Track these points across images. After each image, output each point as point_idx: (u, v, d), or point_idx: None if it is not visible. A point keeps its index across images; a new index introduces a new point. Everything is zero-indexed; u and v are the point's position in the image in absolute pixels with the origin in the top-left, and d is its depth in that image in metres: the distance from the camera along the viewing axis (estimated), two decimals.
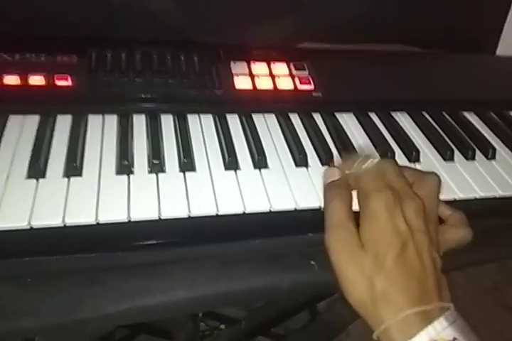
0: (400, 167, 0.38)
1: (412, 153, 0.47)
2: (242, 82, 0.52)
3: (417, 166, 0.47)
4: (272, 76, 0.53)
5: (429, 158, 0.48)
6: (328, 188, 0.38)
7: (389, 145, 0.48)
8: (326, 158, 0.45)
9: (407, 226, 0.33)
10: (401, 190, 0.34)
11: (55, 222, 0.35)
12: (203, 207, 0.39)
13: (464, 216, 0.38)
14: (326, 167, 0.44)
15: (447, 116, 0.55)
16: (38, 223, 0.35)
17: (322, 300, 0.89)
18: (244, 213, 0.40)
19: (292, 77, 0.53)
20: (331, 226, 0.35)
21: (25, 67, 0.47)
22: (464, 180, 0.45)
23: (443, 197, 0.43)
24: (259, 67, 0.54)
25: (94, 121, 0.46)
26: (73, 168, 0.40)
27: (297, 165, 0.44)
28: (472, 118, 0.56)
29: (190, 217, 0.38)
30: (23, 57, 0.49)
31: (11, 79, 0.46)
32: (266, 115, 0.51)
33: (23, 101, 0.45)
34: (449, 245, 0.36)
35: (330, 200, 0.36)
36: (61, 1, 0.51)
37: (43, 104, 0.46)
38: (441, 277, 0.33)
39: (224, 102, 0.50)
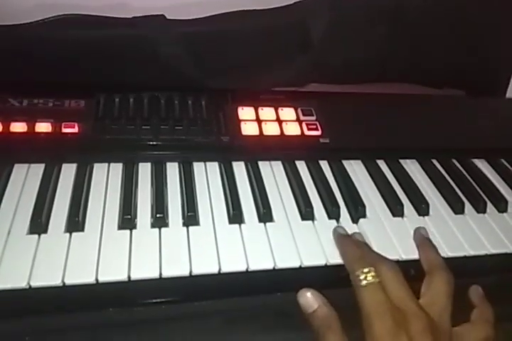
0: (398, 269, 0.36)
1: (422, 206, 0.46)
2: (249, 128, 0.51)
3: (426, 219, 0.46)
4: (280, 121, 0.53)
5: (439, 211, 0.47)
6: (313, 320, 0.35)
7: (398, 197, 0.47)
8: (332, 211, 0.44)
9: None
10: (405, 307, 0.33)
11: (55, 282, 0.35)
12: (205, 265, 0.38)
13: (490, 313, 0.37)
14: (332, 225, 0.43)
15: (457, 164, 0.54)
16: (37, 283, 0.34)
17: None
18: (247, 271, 0.39)
19: (300, 122, 0.53)
20: None
21: (33, 114, 0.48)
22: (474, 235, 0.44)
23: (453, 254, 0.42)
24: (267, 113, 0.53)
25: (99, 170, 0.46)
26: (75, 222, 0.39)
27: (303, 218, 0.43)
28: (483, 165, 0.55)
29: (191, 276, 0.38)
30: (31, 103, 0.49)
31: (18, 127, 0.46)
32: (272, 163, 0.50)
33: (29, 149, 0.45)
34: None
35: (320, 335, 0.34)
36: (71, 48, 0.51)
37: (49, 152, 0.46)
38: None
39: (230, 149, 0.49)
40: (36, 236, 0.38)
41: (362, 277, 0.35)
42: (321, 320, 0.35)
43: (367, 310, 0.33)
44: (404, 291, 0.34)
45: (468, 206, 0.48)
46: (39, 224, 0.38)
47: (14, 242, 0.37)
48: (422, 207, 0.46)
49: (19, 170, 0.44)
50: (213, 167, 0.48)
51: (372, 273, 0.35)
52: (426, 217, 0.46)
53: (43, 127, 0.47)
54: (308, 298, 0.36)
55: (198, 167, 0.48)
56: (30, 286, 0.34)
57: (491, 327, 0.36)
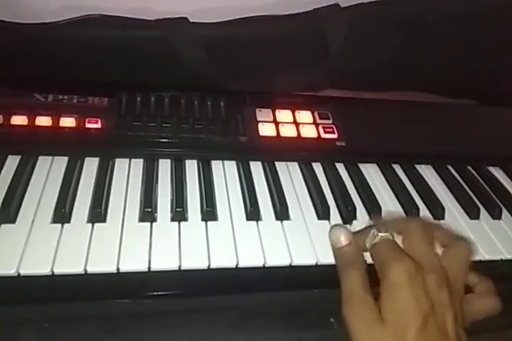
0: (430, 226, 0.37)
1: (437, 210, 0.46)
2: (266, 129, 0.52)
3: (442, 223, 0.46)
4: (296, 124, 0.53)
5: (454, 216, 0.47)
6: (340, 256, 0.37)
7: (414, 201, 0.47)
8: (348, 212, 0.45)
9: (428, 299, 0.31)
10: (423, 259, 0.33)
11: (77, 270, 0.35)
12: (223, 259, 0.38)
13: (491, 285, 0.37)
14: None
15: (472, 171, 0.54)
16: (60, 270, 0.35)
17: None
18: (264, 266, 0.39)
19: (316, 125, 0.54)
20: (347, 299, 0.33)
21: (58, 109, 0.49)
22: (489, 240, 0.44)
23: None
24: (284, 115, 0.54)
25: (120, 164, 0.46)
26: (97, 213, 0.40)
27: (319, 218, 0.44)
28: (497, 173, 0.55)
29: (209, 269, 0.38)
30: (56, 99, 0.50)
31: (43, 120, 0.47)
32: (289, 163, 0.51)
33: (53, 142, 0.46)
34: (476, 316, 0.35)
35: (343, 270, 0.35)
36: (95, 48, 0.53)
37: (72, 146, 0.47)
38: None
39: (248, 149, 0.50)
40: (59, 225, 0.39)
41: (375, 235, 0.35)
42: (346, 256, 0.36)
43: (383, 258, 0.33)
44: (426, 246, 0.34)
45: (483, 212, 0.48)
46: (63, 214, 0.39)
47: (38, 231, 0.38)
48: (437, 211, 0.46)
49: (43, 163, 0.45)
50: (231, 165, 0.49)
51: (386, 233, 0.35)
52: (441, 221, 0.46)
53: (68, 122, 0.48)
54: (339, 235, 0.37)
55: (216, 165, 0.49)
56: (52, 273, 0.35)
57: (498, 299, 0.36)
